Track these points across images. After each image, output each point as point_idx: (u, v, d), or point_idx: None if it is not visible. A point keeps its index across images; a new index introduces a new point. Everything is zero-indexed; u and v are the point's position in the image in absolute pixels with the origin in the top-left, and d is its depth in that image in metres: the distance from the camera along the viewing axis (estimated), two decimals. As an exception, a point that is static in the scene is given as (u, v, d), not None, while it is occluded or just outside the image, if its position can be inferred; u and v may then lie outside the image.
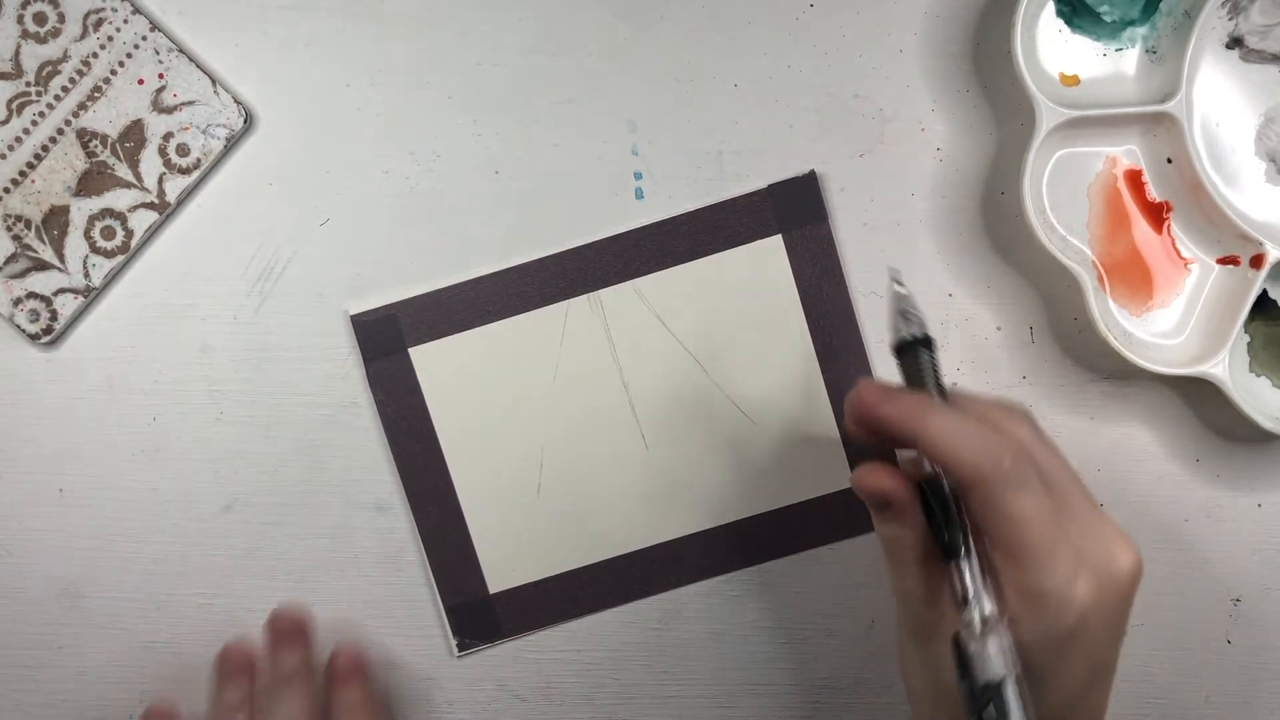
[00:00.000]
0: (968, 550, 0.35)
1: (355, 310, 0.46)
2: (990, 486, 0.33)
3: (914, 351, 0.37)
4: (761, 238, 0.45)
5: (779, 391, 0.46)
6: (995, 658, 0.34)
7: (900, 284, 0.39)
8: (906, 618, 0.37)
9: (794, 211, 0.45)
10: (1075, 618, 0.34)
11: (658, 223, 0.45)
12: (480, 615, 0.46)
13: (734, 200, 0.45)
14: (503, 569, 0.46)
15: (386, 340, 0.46)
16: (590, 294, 0.46)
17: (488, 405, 0.46)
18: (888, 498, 0.35)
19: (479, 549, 0.46)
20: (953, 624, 0.35)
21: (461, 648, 0.47)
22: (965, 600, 0.34)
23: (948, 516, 0.35)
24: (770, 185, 0.45)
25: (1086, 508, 0.35)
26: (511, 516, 0.46)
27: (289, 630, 0.44)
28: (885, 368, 0.46)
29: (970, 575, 0.35)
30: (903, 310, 0.37)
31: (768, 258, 0.45)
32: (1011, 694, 0.33)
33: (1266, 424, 0.43)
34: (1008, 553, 0.34)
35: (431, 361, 0.46)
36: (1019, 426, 0.36)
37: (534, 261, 0.46)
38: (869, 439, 0.37)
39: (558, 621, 0.47)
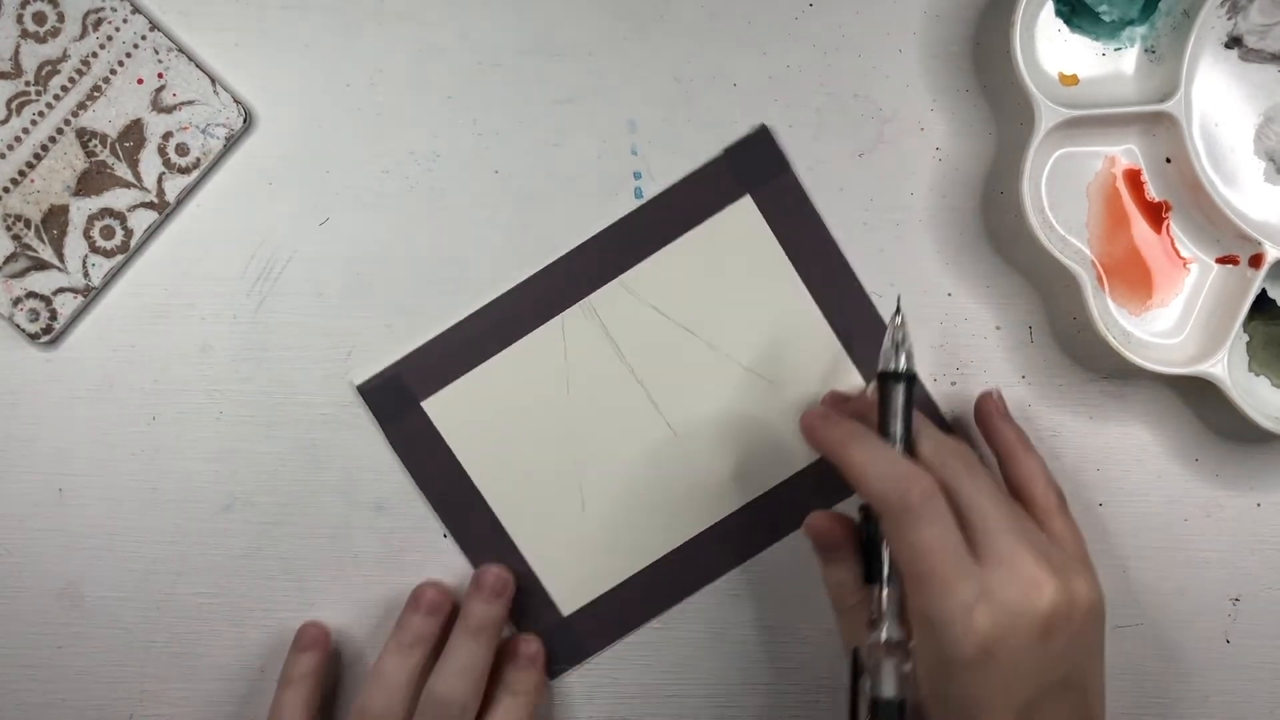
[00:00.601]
0: (888, 578, 0.38)
1: (360, 380, 0.46)
2: (895, 515, 0.36)
3: (893, 385, 0.39)
4: (731, 203, 0.45)
5: (790, 348, 0.46)
6: (888, 677, 0.36)
7: (900, 315, 0.41)
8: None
9: (755, 169, 0.45)
10: (974, 648, 0.35)
11: (625, 216, 0.45)
12: (563, 640, 0.46)
13: (695, 174, 0.45)
14: (571, 590, 0.46)
15: (398, 401, 0.46)
16: (581, 302, 0.46)
17: (511, 437, 0.46)
18: (827, 538, 0.41)
19: (542, 578, 0.46)
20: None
21: (553, 675, 0.46)
22: (874, 621, 0.37)
23: (872, 545, 0.39)
24: (725, 149, 0.45)
25: (1009, 546, 0.36)
26: (565, 538, 0.46)
27: (492, 585, 0.44)
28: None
29: (885, 599, 0.38)
30: (897, 343, 0.40)
31: (742, 220, 0.45)
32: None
33: (1266, 423, 0.43)
34: (907, 578, 0.36)
35: (446, 410, 0.46)
36: (948, 463, 0.38)
37: (516, 287, 0.45)
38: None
39: (637, 625, 0.47)
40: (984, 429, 0.44)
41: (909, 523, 0.36)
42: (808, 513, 0.42)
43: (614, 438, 0.46)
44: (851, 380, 0.46)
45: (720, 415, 0.46)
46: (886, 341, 0.40)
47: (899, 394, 0.39)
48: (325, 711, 0.46)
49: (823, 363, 0.46)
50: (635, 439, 0.46)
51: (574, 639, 0.46)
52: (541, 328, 0.46)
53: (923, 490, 0.36)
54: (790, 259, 0.45)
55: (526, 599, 0.46)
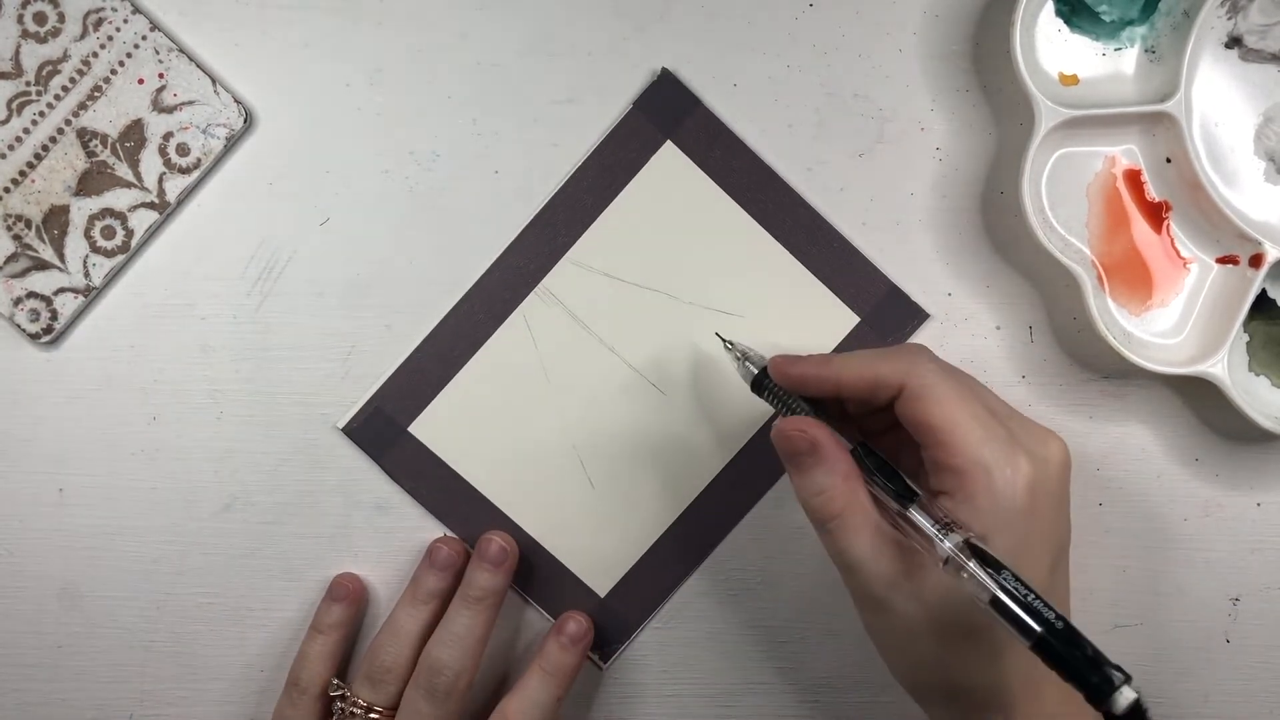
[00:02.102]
0: (916, 493, 0.36)
1: (343, 422, 0.46)
2: (916, 379, 0.36)
3: (767, 380, 0.40)
4: (655, 152, 0.45)
5: (750, 279, 0.46)
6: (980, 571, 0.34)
7: (728, 343, 0.43)
8: (859, 588, 0.37)
9: (667, 113, 0.45)
10: (1025, 492, 0.35)
11: (556, 194, 0.45)
12: (608, 621, 0.47)
13: (610, 135, 0.45)
14: (602, 571, 0.47)
15: (385, 432, 0.46)
16: (536, 289, 0.46)
17: (505, 438, 0.46)
18: (798, 444, 0.37)
19: (572, 567, 0.47)
20: (912, 578, 0.36)
21: (605, 657, 0.47)
22: (944, 530, 0.35)
23: (888, 468, 0.37)
24: (633, 102, 0.45)
25: (1006, 408, 0.38)
26: (583, 522, 0.46)
27: (493, 556, 0.45)
28: (822, 199, 0.45)
29: (932, 510, 0.36)
30: (739, 357, 0.42)
31: (669, 166, 0.45)
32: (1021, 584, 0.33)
33: (1265, 423, 0.43)
34: (944, 439, 0.36)
35: (433, 429, 0.46)
36: (919, 349, 0.39)
37: (469, 291, 0.46)
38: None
39: (674, 588, 0.47)
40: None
41: (931, 382, 0.36)
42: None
43: (605, 412, 0.46)
44: (817, 293, 0.45)
45: (702, 362, 0.46)
46: (735, 365, 0.42)
47: (772, 385, 0.40)
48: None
49: (785, 283, 0.46)
50: (626, 407, 0.46)
51: (618, 617, 0.47)
52: (505, 324, 0.46)
53: (924, 356, 0.38)
54: (726, 191, 0.45)
55: (562, 590, 0.47)
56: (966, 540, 0.34)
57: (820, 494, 0.37)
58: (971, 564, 0.33)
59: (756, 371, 0.41)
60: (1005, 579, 0.33)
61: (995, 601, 0.33)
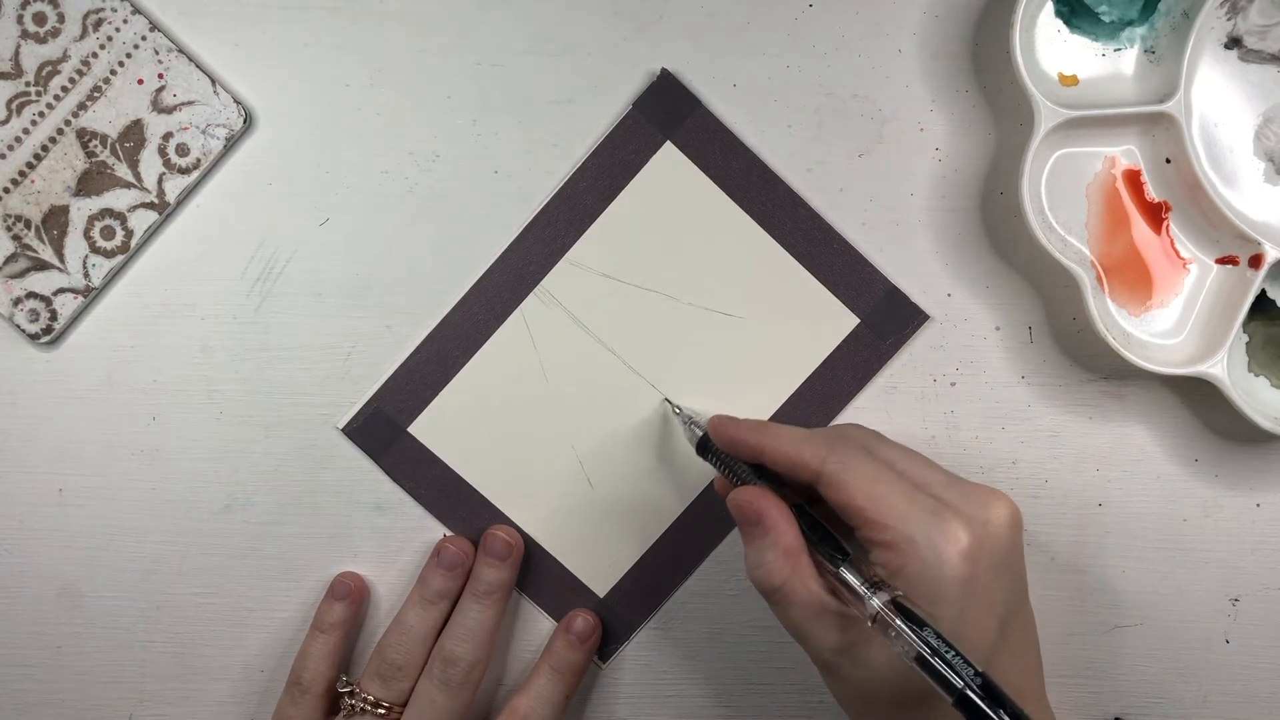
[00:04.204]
0: (848, 553, 0.37)
1: (343, 422, 0.46)
2: (834, 464, 0.37)
3: (710, 444, 0.42)
4: (654, 153, 0.45)
5: (748, 279, 0.46)
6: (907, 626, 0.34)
7: (675, 407, 0.45)
8: (810, 654, 0.38)
9: (668, 114, 0.45)
10: (961, 559, 0.35)
11: (555, 195, 0.45)
12: (607, 621, 0.47)
13: (610, 135, 0.45)
14: (601, 571, 0.47)
15: (385, 433, 0.46)
16: (535, 290, 0.46)
17: (504, 439, 0.46)
18: (749, 512, 0.38)
19: (571, 567, 0.47)
20: (858, 646, 0.36)
21: (604, 657, 0.47)
22: (872, 588, 0.35)
23: (821, 528, 0.38)
24: (633, 102, 0.45)
25: (944, 477, 0.38)
26: (582, 522, 0.46)
27: (499, 550, 0.45)
28: (822, 199, 0.45)
29: (862, 568, 0.36)
30: (685, 422, 0.44)
31: (669, 167, 0.45)
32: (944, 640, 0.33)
33: (1265, 424, 0.43)
34: (870, 518, 0.36)
35: (433, 429, 0.46)
36: (850, 429, 0.40)
37: (468, 292, 0.46)
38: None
39: (674, 588, 0.47)
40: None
41: (849, 463, 0.37)
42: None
43: (603, 412, 0.46)
44: (817, 294, 0.45)
45: (700, 362, 0.46)
46: (682, 430, 0.44)
47: (716, 449, 0.41)
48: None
49: (784, 284, 0.46)
50: (624, 408, 0.46)
51: (617, 617, 0.47)
52: (504, 325, 0.46)
53: (846, 440, 0.38)
54: (726, 192, 0.45)
55: (561, 590, 0.47)
56: (893, 598, 0.34)
57: (760, 567, 0.37)
58: (898, 621, 0.34)
59: (701, 434, 0.42)
60: (928, 636, 0.33)
61: (920, 659, 0.33)
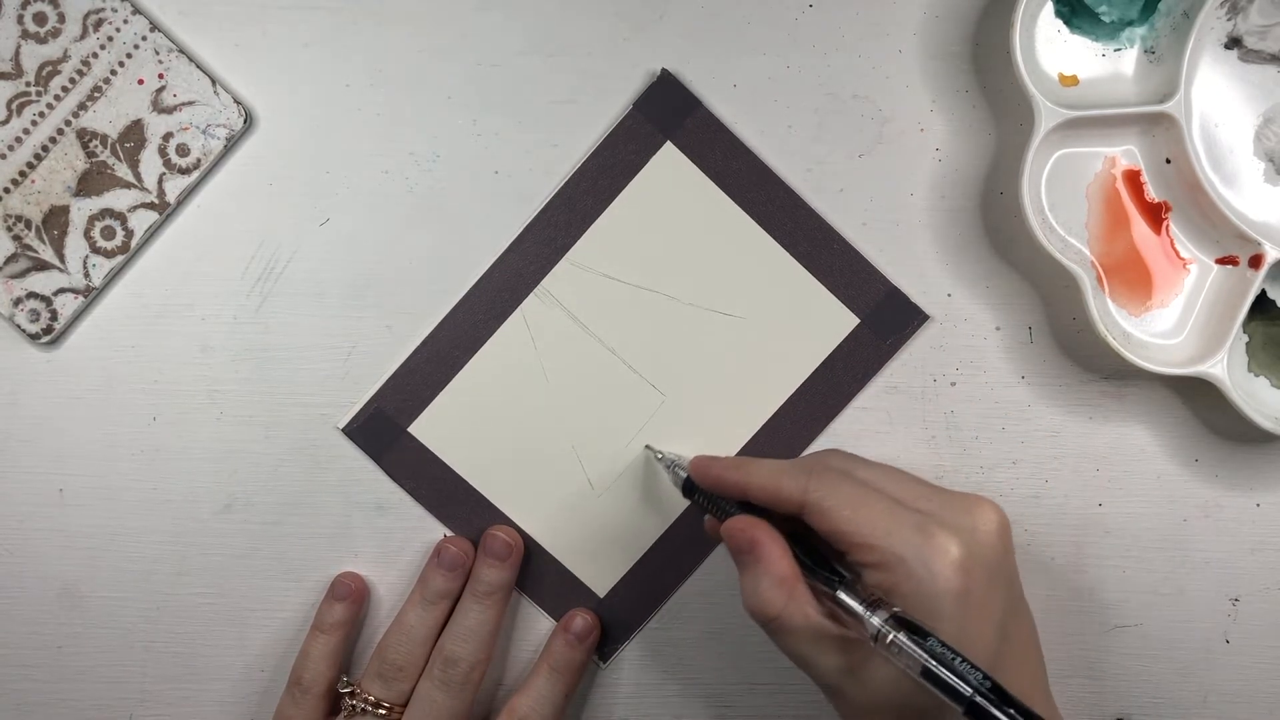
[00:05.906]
0: (844, 576, 0.37)
1: (343, 423, 0.46)
2: (816, 492, 0.37)
3: (695, 488, 0.42)
4: (654, 153, 0.45)
5: (749, 279, 0.46)
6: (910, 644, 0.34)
7: (657, 454, 0.45)
8: (813, 679, 0.38)
9: (668, 114, 0.45)
10: (953, 570, 0.35)
11: (555, 195, 0.45)
12: (607, 621, 0.47)
13: (610, 136, 0.45)
14: (601, 571, 0.47)
15: (385, 433, 0.46)
16: (536, 289, 0.46)
17: (505, 439, 0.46)
18: (742, 540, 0.38)
19: (571, 567, 0.47)
20: (860, 668, 0.36)
21: (604, 656, 0.47)
22: (871, 607, 0.35)
23: (816, 554, 0.38)
24: (633, 102, 0.45)
25: (926, 490, 0.38)
26: (582, 522, 0.46)
27: (499, 550, 0.45)
28: (822, 199, 0.45)
29: (858, 589, 0.36)
30: (668, 466, 0.44)
31: (669, 167, 0.45)
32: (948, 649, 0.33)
33: (1265, 424, 0.43)
34: (857, 541, 0.36)
35: (433, 429, 0.46)
36: (828, 455, 0.40)
37: (469, 292, 0.46)
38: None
39: (673, 589, 0.47)
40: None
41: (831, 491, 0.37)
42: (806, 441, 0.43)
43: (603, 413, 0.46)
44: (817, 294, 0.45)
45: (700, 363, 0.46)
46: (666, 473, 0.44)
47: (701, 491, 0.41)
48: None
49: (784, 284, 0.46)
50: (624, 408, 0.46)
51: (616, 618, 0.47)
52: (505, 325, 0.46)
53: (825, 467, 0.38)
54: (726, 192, 0.45)
55: (561, 590, 0.47)
56: (893, 614, 0.34)
57: (756, 596, 0.37)
58: (900, 635, 0.33)
59: (685, 476, 0.42)
60: (933, 645, 0.33)
61: (926, 672, 0.33)
